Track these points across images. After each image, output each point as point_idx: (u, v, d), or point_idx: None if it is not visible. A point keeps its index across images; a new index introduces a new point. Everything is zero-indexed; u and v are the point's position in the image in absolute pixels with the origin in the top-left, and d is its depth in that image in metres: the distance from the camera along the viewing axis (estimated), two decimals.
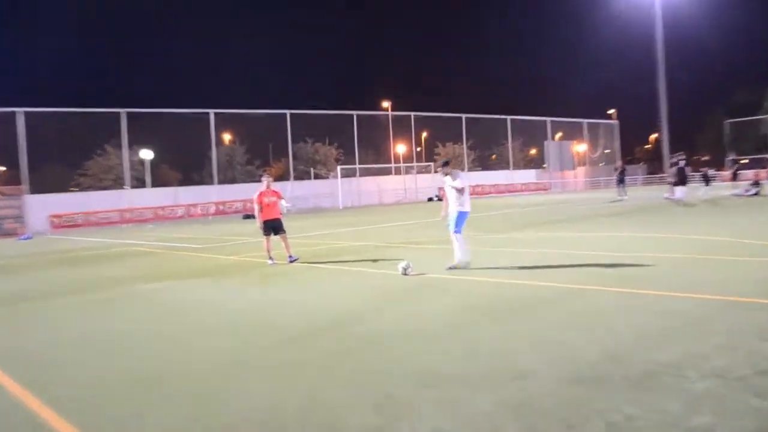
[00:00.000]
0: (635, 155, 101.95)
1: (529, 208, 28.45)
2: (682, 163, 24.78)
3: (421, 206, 40.50)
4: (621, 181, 31.39)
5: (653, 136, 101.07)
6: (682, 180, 24.25)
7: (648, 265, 9.14)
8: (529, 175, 60.89)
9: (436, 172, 54.60)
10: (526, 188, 57.88)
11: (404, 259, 10.47)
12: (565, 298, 7.15)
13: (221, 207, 41.16)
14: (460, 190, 9.85)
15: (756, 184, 28.58)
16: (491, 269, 9.70)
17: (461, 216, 9.92)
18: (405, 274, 9.59)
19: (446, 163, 10.21)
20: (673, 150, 58.61)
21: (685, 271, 8.57)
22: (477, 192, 54.31)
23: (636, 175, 66.30)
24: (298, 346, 5.87)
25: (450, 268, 9.68)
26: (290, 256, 12.28)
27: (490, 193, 55.26)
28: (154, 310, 8.15)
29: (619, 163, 33.61)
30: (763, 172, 36.30)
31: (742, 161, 67.34)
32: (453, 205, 9.97)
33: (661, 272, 8.56)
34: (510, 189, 55.29)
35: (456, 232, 9.82)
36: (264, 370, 5.18)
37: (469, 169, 58.70)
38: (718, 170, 43.56)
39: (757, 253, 9.79)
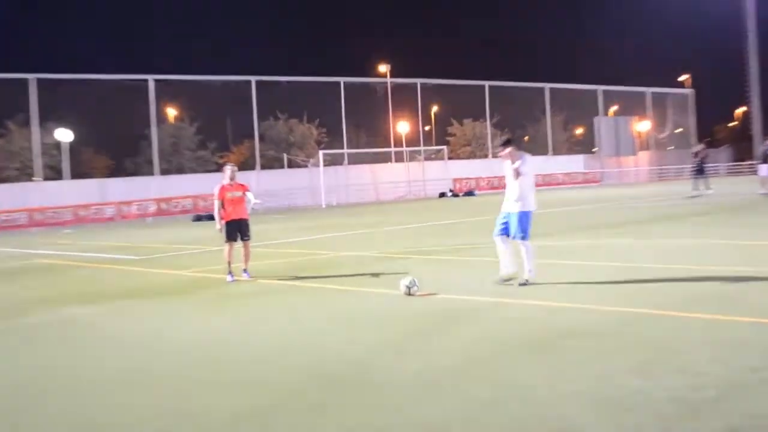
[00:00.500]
0: (715, 135, 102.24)
1: (574, 207, 28.52)
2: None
3: (431, 204, 40.59)
4: (700, 170, 31.74)
5: (740, 111, 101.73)
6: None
7: (741, 281, 9.23)
8: (574, 163, 61.29)
9: (451, 158, 54.86)
10: (570, 180, 58.22)
11: (408, 274, 10.48)
12: (632, 328, 7.14)
13: (164, 205, 41.13)
14: (521, 177, 10.03)
15: None
16: (525, 287, 9.74)
17: (523, 218, 10.09)
18: (409, 294, 9.62)
19: (507, 142, 10.38)
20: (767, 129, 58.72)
21: None
22: (502, 185, 54.40)
23: (717, 163, 66.43)
24: (268, 396, 5.81)
25: (522, 284, 9.92)
26: (245, 272, 12.52)
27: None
28: (60, 349, 8.08)
29: (699, 146, 33.50)
30: None
31: None
32: (511, 200, 10.18)
33: (758, 293, 8.58)
34: (549, 181, 55.55)
35: (523, 239, 10.01)
36: None
37: (495, 155, 58.89)
38: None
39: None
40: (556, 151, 62.11)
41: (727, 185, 36.52)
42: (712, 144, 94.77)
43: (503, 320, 7.91)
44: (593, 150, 63.71)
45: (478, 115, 59.49)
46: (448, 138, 60.95)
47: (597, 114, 62.91)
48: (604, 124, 62.20)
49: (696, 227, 17.70)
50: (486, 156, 58.17)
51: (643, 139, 67.57)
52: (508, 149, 10.28)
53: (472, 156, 60.03)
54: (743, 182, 40.88)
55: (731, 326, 7.01)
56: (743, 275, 9.80)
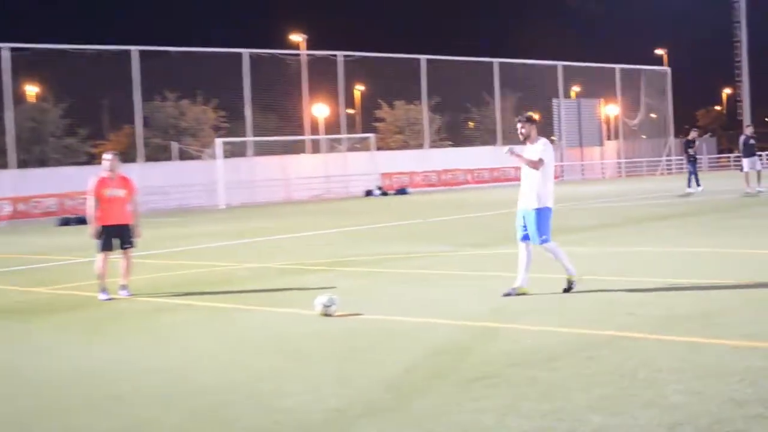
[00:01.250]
0: (696, 122, 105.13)
1: None
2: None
3: (355, 204, 40.64)
4: (694, 160, 32.69)
5: (726, 92, 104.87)
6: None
7: (723, 297, 9.50)
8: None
9: (380, 148, 55.00)
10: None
11: (326, 290, 10.46)
12: (594, 353, 7.24)
13: (22, 206, 40.27)
14: (538, 165, 10.37)
15: None
16: (474, 303, 9.79)
17: (542, 216, 10.44)
18: (327, 315, 9.61)
19: (529, 120, 10.71)
20: (759, 114, 60.21)
21: None
22: (446, 181, 54.90)
23: (700, 154, 68.13)
24: None
25: (566, 290, 10.42)
26: (124, 288, 12.38)
27: (467, 182, 56.08)
28: None
29: (694, 133, 34.37)
30: None
31: None
32: (527, 195, 10.53)
33: (743, 311, 8.79)
34: (497, 177, 56.43)
35: (544, 242, 10.40)
36: None
37: (433, 145, 59.45)
38: None
39: None
40: (507, 140, 62.72)
41: (710, 182, 37.52)
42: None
43: (440, 346, 7.92)
44: (551, 139, 64.63)
45: (413, 97, 59.68)
46: (376, 124, 61.01)
47: (556, 95, 63.80)
48: (564, 107, 63.28)
49: (671, 232, 18.14)
50: (421, 146, 58.49)
51: (612, 126, 68.92)
52: (530, 129, 10.62)
53: (404, 146, 60.31)
54: (729, 178, 42.13)
55: (711, 351, 7.15)
56: (726, 290, 10.03)
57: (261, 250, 18.94)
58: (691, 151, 32.48)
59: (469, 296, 10.79)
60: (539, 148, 10.48)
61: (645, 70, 70.01)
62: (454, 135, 62.55)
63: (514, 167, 57.98)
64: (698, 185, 31.88)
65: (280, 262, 16.01)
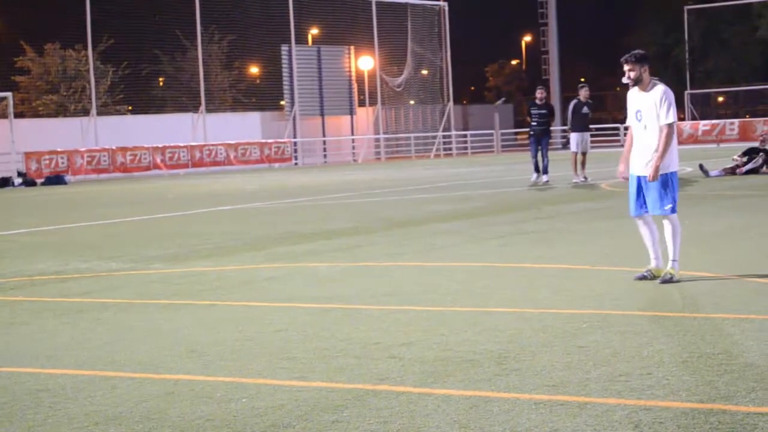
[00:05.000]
0: (484, 82, 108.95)
1: (243, 205, 29.60)
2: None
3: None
4: (543, 135, 31.96)
5: (527, 40, 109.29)
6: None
7: (519, 332, 9.85)
8: (246, 127, 62.41)
9: (21, 114, 53.54)
10: (238, 158, 59.45)
11: None
12: (348, 415, 7.29)
13: None
14: (668, 128, 11.71)
15: (755, 152, 32.66)
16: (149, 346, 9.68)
17: (669, 183, 11.90)
18: None
19: (642, 58, 11.85)
20: (570, 75, 63.03)
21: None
22: (124, 166, 54.24)
23: (491, 128, 70.64)
24: None
25: (665, 281, 12.01)
26: None
27: (155, 167, 55.57)
28: None
29: (539, 91, 33.58)
30: None
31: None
32: (644, 157, 11.96)
33: (544, 348, 9.15)
34: (198, 160, 56.96)
35: (669, 211, 11.93)
36: None
37: (104, 111, 58.60)
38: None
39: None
40: (214, 107, 62.88)
41: (503, 166, 38.95)
42: (482, 98, 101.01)
43: (102, 411, 7.77)
44: (280, 104, 65.37)
45: (71, 39, 58.62)
46: (16, 78, 59.56)
47: (286, 41, 64.28)
48: (298, 58, 63.86)
49: (459, 239, 18.73)
50: (87, 112, 57.46)
51: (367, 86, 70.07)
52: (642, 71, 11.74)
53: (61, 112, 59.16)
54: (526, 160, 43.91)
55: (506, 407, 7.40)
56: (536, 319, 10.52)
57: None
58: (536, 119, 31.96)
59: (157, 336, 10.66)
60: (660, 96, 11.58)
61: (412, 5, 71.37)
62: (136, 96, 61.94)
63: (224, 144, 58.16)
64: (543, 174, 31.54)
65: None
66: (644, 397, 7.42)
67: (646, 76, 11.71)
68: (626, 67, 11.77)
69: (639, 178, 11.91)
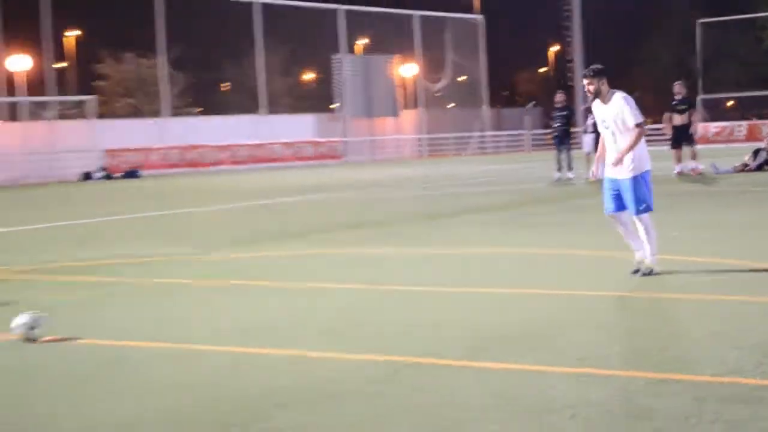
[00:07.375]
0: (516, 87, 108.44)
1: (297, 198, 29.39)
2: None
3: (68, 191, 39.84)
4: (565, 135, 32.20)
5: (554, 50, 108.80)
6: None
7: (560, 310, 9.94)
8: (300, 127, 62.54)
9: (102, 116, 53.95)
10: (294, 154, 59.51)
11: (27, 310, 10.15)
12: (388, 388, 7.34)
13: None
14: (641, 132, 11.55)
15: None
16: (225, 322, 9.82)
17: (641, 183, 11.60)
18: (30, 340, 9.31)
19: (600, 72, 11.69)
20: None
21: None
22: (192, 161, 54.46)
23: (521, 129, 70.38)
24: None
25: (644, 273, 11.70)
26: None
27: (220, 162, 55.73)
28: None
29: (559, 95, 33.58)
30: None
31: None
32: (623, 162, 11.58)
33: (578, 329, 9.19)
34: (259, 156, 56.63)
35: (642, 211, 11.59)
36: None
37: (175, 112, 58.71)
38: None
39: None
40: (273, 109, 62.92)
41: (534, 163, 38.89)
42: (512, 101, 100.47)
43: (173, 379, 7.85)
44: (331, 107, 65.42)
45: (146, 47, 58.78)
46: (97, 83, 59.81)
47: (337, 50, 64.35)
48: (348, 66, 63.88)
49: (492, 229, 18.72)
50: (158, 113, 57.66)
51: (410, 90, 70.10)
52: (601, 83, 11.56)
53: (137, 113, 59.42)
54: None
55: (538, 380, 7.44)
56: (564, 301, 10.53)
57: None
58: (560, 121, 32.16)
59: (222, 314, 10.74)
60: (620, 104, 11.45)
61: (452, 18, 71.41)
62: (203, 100, 62.11)
63: (281, 143, 58.29)
64: (569, 170, 31.50)
65: None
66: (662, 371, 7.41)
67: (604, 88, 11.57)
68: (585, 81, 11.69)
69: (612, 181, 11.73)
